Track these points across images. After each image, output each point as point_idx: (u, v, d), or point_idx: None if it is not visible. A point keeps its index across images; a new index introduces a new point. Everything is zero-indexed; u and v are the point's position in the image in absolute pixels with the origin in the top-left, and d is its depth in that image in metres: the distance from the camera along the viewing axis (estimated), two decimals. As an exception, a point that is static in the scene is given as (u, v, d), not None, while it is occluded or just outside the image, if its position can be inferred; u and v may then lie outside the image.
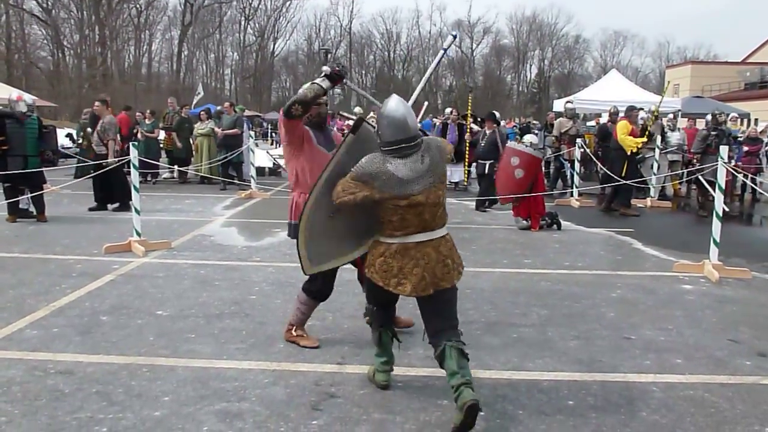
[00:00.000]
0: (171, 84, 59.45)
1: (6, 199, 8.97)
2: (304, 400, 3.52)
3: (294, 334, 4.40)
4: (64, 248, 7.44)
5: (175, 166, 13.94)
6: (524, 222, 9.13)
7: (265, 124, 43.17)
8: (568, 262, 7.11)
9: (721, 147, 6.88)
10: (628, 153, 10.71)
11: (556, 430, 3.20)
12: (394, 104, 3.32)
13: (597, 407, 3.47)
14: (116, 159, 9.57)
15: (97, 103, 10.54)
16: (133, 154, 7.24)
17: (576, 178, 11.98)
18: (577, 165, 11.93)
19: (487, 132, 11.10)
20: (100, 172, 9.34)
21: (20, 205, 9.29)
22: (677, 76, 50.00)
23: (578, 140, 12.07)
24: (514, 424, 3.25)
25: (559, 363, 4.09)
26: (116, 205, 10.20)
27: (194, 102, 22.39)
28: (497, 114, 12.26)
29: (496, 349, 4.32)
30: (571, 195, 11.89)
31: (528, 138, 9.65)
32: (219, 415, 3.33)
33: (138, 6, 58.68)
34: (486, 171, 10.70)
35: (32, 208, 9.38)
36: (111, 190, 10.13)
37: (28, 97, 10.35)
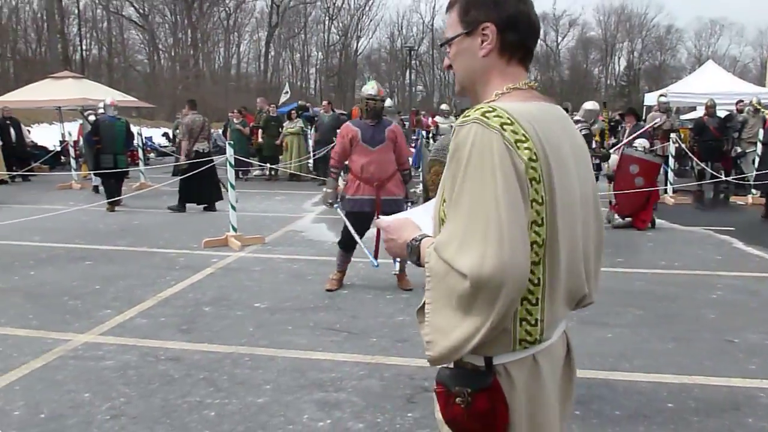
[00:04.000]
0: (259, 84, 61.29)
1: (106, 192, 10.64)
2: (399, 392, 3.60)
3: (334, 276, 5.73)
4: (166, 242, 7.86)
5: (267, 164, 14.33)
6: (620, 220, 8.86)
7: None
8: (664, 262, 6.88)
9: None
10: None
11: (656, 433, 3.15)
12: None
13: (699, 411, 3.37)
14: (190, 160, 9.91)
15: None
16: (229, 153, 7.55)
17: (671, 175, 11.53)
18: (671, 161, 11.48)
19: (628, 128, 10.77)
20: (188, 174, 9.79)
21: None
22: (780, 65, 47.07)
23: (672, 135, 11.61)
24: (612, 425, 3.21)
25: (658, 365, 4.00)
26: (204, 205, 10.43)
27: (281, 101, 23.01)
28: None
29: (591, 349, 4.25)
30: (665, 192, 11.45)
31: (640, 143, 9.27)
32: (318, 404, 3.46)
33: (227, 9, 60.76)
34: None
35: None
36: (198, 191, 10.15)
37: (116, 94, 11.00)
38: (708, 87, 16.15)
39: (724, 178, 11.48)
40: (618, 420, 3.26)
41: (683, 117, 21.79)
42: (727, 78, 18.01)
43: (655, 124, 11.76)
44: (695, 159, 12.56)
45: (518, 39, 1.43)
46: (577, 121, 8.78)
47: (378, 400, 3.50)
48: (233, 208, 7.56)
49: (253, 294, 5.59)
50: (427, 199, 3.46)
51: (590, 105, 9.51)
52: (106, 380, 3.79)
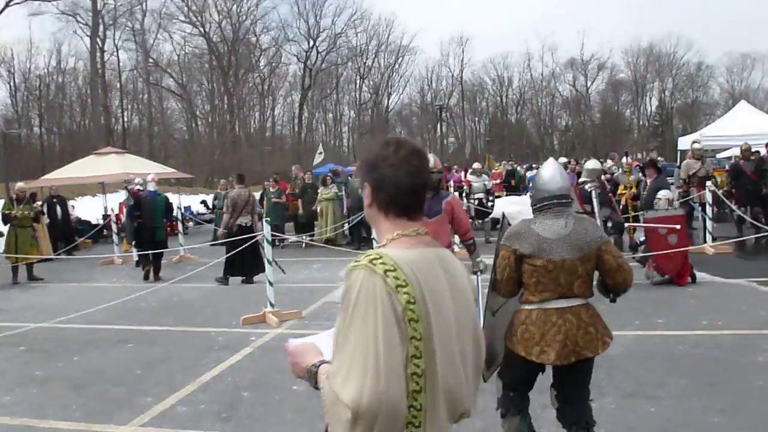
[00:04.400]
0: (293, 145, 62.68)
1: (141, 262, 11.39)
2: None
3: None
4: (206, 320, 7.99)
5: (303, 236, 14.47)
6: (659, 276, 8.71)
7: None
8: (707, 321, 6.72)
9: None
10: None
11: None
12: (552, 167, 3.53)
13: (749, 497, 3.26)
14: (228, 232, 10.24)
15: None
16: (267, 230, 7.72)
17: (709, 223, 11.33)
18: (708, 209, 11.30)
19: (649, 181, 10.60)
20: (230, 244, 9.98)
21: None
22: (818, 97, 46.32)
23: (708, 183, 11.45)
24: None
25: (704, 443, 3.89)
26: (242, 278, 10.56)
27: (315, 161, 23.52)
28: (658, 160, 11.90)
29: (634, 427, 4.16)
30: (705, 242, 11.24)
31: (663, 194, 9.11)
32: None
33: (262, 74, 62.75)
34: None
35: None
36: (241, 265, 10.30)
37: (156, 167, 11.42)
38: (742, 128, 15.95)
39: (764, 226, 11.19)
40: None
41: (719, 156, 21.55)
42: (760, 118, 17.78)
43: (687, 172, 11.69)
44: (733, 205, 12.32)
45: (388, 198, 1.67)
46: (584, 182, 8.63)
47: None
48: (270, 283, 7.68)
49: (291, 376, 5.59)
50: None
51: (591, 164, 9.34)
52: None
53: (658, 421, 4.23)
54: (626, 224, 9.39)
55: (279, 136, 67.50)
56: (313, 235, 14.55)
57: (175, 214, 14.35)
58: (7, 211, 11.87)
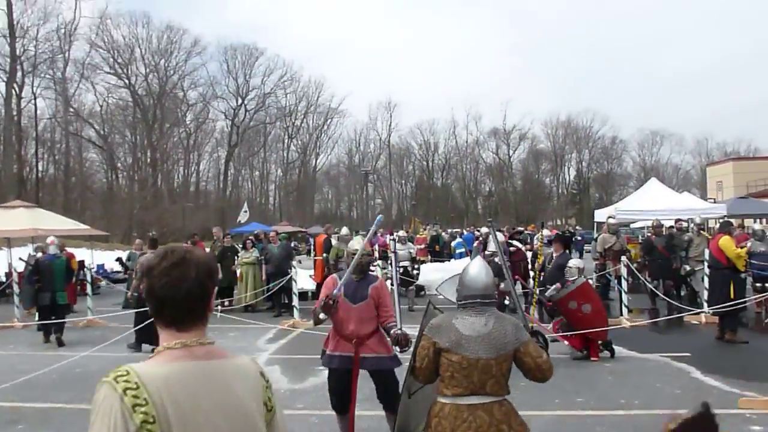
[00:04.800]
0: (217, 201, 61.67)
1: (42, 327, 10.96)
2: None
3: None
4: (109, 394, 7.42)
5: (217, 304, 14.01)
6: (579, 353, 8.77)
7: (310, 239, 43.40)
8: (624, 399, 6.76)
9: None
10: (740, 271, 9.90)
11: None
12: (477, 266, 3.64)
13: None
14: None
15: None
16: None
17: (625, 297, 11.64)
18: (624, 283, 11.64)
19: (555, 255, 10.50)
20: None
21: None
22: (719, 173, 49.66)
23: (623, 258, 11.84)
24: None
25: None
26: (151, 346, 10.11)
27: (240, 219, 23.18)
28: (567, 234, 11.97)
29: None
30: (621, 314, 11.52)
31: (573, 263, 9.27)
32: None
33: (188, 129, 61.98)
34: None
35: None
36: (149, 332, 9.56)
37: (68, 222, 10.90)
38: (653, 204, 16.76)
39: (675, 302, 11.62)
40: None
41: (633, 226, 22.50)
42: (670, 195, 18.76)
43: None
44: (647, 278, 12.75)
45: (153, 309, 1.72)
46: (492, 253, 8.62)
47: None
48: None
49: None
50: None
51: (499, 238, 9.28)
52: None
53: None
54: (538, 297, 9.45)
55: (203, 192, 66.40)
56: (232, 301, 14.07)
57: (84, 273, 13.81)
58: None
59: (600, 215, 18.70)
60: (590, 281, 13.32)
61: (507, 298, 8.47)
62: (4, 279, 16.40)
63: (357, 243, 5.48)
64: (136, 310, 9.59)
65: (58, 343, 10.65)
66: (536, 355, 3.36)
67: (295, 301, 12.09)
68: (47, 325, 10.92)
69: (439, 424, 3.29)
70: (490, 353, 3.27)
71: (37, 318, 11.80)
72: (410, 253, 13.93)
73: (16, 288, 13.47)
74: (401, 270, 13.58)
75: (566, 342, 8.83)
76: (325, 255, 13.67)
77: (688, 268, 12.64)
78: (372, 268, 12.76)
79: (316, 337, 11.13)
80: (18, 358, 9.48)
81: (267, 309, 14.00)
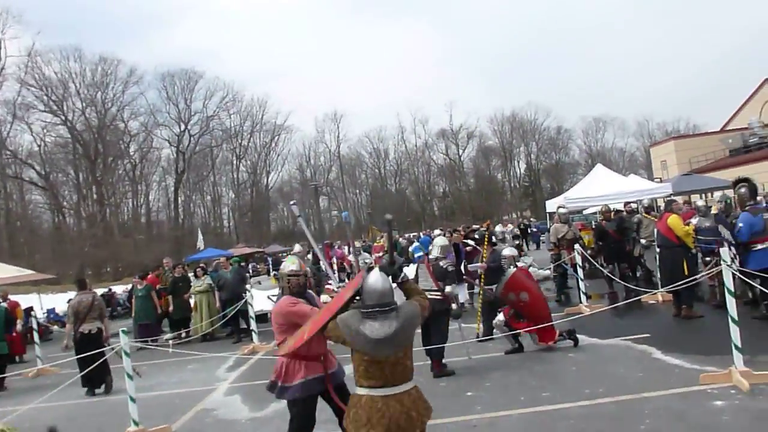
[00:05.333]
0: (171, 231, 60.44)
1: None
2: None
3: None
4: (61, 447, 7.05)
5: (173, 333, 13.65)
6: (539, 345, 8.76)
7: (268, 259, 42.58)
8: (589, 390, 6.71)
9: (722, 249, 6.68)
10: (690, 248, 10.08)
11: None
12: (374, 277, 3.83)
13: None
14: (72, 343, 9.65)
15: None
16: (124, 341, 7.03)
17: (582, 284, 11.70)
18: (579, 270, 11.70)
19: (483, 257, 10.25)
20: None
21: None
22: (662, 152, 50.89)
23: (576, 246, 11.91)
24: None
25: None
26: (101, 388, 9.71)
27: (198, 247, 22.84)
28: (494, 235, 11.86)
29: None
30: (581, 301, 11.57)
31: (506, 253, 9.18)
32: None
33: (132, 161, 60.69)
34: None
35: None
36: (90, 375, 9.34)
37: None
38: (601, 189, 17.01)
39: (642, 289, 11.73)
40: None
41: (586, 212, 22.81)
42: (617, 179, 19.08)
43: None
44: (601, 263, 12.86)
45: None
46: (436, 258, 8.50)
47: None
48: (132, 399, 6.93)
49: None
50: None
51: (440, 241, 8.96)
52: None
53: None
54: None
55: (156, 222, 65.09)
56: (189, 332, 13.67)
57: (30, 321, 13.45)
58: None
59: (551, 205, 18.89)
60: (533, 268, 13.37)
61: (454, 302, 8.37)
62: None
63: (291, 263, 5.15)
64: (78, 357, 9.15)
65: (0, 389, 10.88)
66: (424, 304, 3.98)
67: (253, 325, 11.78)
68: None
69: (357, 413, 3.71)
70: (398, 350, 3.72)
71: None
72: (366, 263, 13.76)
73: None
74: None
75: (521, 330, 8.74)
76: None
77: (639, 249, 12.81)
78: (329, 284, 12.59)
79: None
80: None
81: (226, 336, 13.65)
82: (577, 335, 9.00)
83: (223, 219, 71.22)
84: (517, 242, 16.57)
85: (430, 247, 8.99)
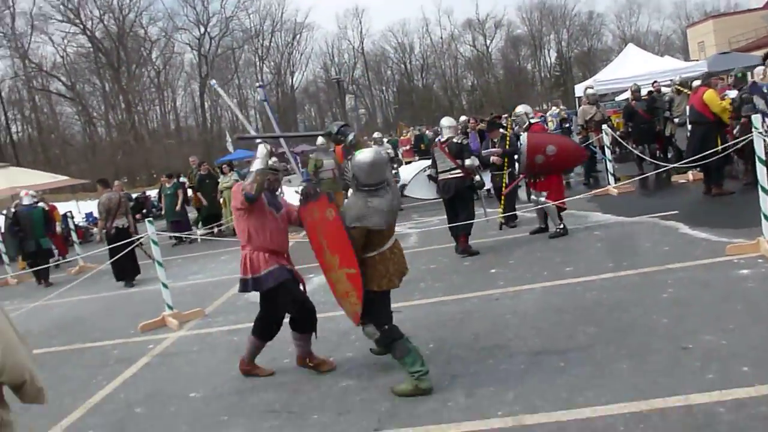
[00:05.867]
0: (200, 135, 60.68)
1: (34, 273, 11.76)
2: (341, 482, 3.28)
3: (247, 367, 5.03)
4: (103, 333, 7.41)
5: (204, 228, 13.95)
6: (542, 198, 8.43)
7: (297, 158, 42.68)
8: (613, 263, 6.71)
9: (753, 116, 6.41)
10: (726, 124, 9.67)
11: (615, 483, 2.88)
12: (371, 154, 4.26)
13: (658, 444, 3.13)
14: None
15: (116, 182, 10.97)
16: (151, 231, 7.19)
17: (610, 165, 11.50)
18: (608, 151, 11.46)
19: (494, 140, 9.85)
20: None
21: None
22: (700, 33, 48.62)
23: (604, 126, 11.60)
24: (568, 482, 2.95)
25: (612, 392, 3.75)
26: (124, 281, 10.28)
27: (231, 148, 23.10)
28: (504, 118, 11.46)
29: (543, 385, 4.01)
30: (609, 183, 11.41)
31: (519, 109, 8.99)
32: None
33: (156, 67, 60.19)
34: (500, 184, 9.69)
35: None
36: (124, 268, 10.03)
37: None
38: (632, 70, 16.39)
39: (667, 165, 11.43)
40: (574, 473, 3.00)
41: (618, 98, 22.13)
42: (649, 58, 18.32)
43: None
44: (631, 145, 12.55)
45: None
46: (448, 138, 8.34)
47: (318, 497, 3.18)
48: (165, 286, 7.18)
49: (189, 381, 5.22)
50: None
51: (447, 122, 8.62)
52: None
53: (566, 377, 4.09)
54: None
55: (185, 128, 65.21)
56: (221, 227, 13.98)
57: (69, 224, 14.00)
58: None
59: (580, 89, 18.31)
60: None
61: (475, 174, 8.34)
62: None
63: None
64: (109, 248, 9.64)
65: (46, 285, 11.58)
66: None
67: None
68: (38, 270, 11.64)
69: (376, 270, 4.23)
70: (399, 212, 4.47)
71: (27, 267, 12.33)
72: (388, 153, 13.70)
73: (2, 247, 13.44)
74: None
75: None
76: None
77: (671, 128, 12.44)
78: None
79: (306, 245, 11.07)
80: (13, 313, 9.43)
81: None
82: (603, 215, 8.98)
83: (250, 121, 71.05)
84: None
85: (439, 131, 8.81)
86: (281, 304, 4.85)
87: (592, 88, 13.60)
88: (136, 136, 53.98)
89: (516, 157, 8.92)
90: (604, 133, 11.42)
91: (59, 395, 5.40)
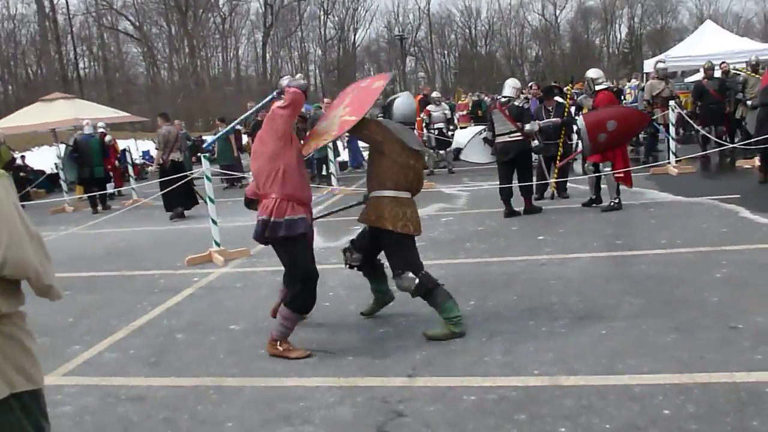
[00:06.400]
0: (259, 85, 61.06)
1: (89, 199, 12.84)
2: (370, 420, 3.31)
3: (280, 348, 4.23)
4: (152, 263, 7.63)
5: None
6: (608, 168, 8.15)
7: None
8: (666, 240, 6.50)
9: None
10: None
11: (649, 448, 2.82)
12: (404, 98, 4.65)
13: (698, 417, 3.04)
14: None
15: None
16: (206, 166, 7.30)
17: (672, 144, 11.08)
18: (672, 129, 11.03)
19: (548, 108, 9.53)
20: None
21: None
22: (785, 17, 45.99)
23: (671, 103, 11.14)
24: (600, 443, 2.90)
25: (655, 363, 3.66)
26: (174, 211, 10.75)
27: None
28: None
29: (584, 350, 3.93)
30: (669, 162, 11.02)
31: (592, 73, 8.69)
32: (282, 442, 3.18)
33: (222, 14, 60.55)
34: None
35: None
36: (176, 199, 10.41)
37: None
38: (708, 48, 15.61)
39: (729, 145, 10.98)
40: (607, 435, 2.95)
41: (688, 80, 21.28)
42: (727, 37, 17.44)
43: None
44: (697, 125, 12.05)
45: None
46: (508, 99, 8.24)
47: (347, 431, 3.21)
48: (214, 222, 7.30)
49: (231, 315, 5.32)
50: None
51: (512, 82, 8.62)
52: (60, 431, 3.53)
53: (608, 344, 4.00)
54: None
55: (245, 77, 65.70)
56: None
57: (127, 159, 14.47)
58: None
59: (649, 65, 17.61)
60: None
61: (534, 138, 8.19)
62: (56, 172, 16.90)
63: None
64: (160, 180, 10.11)
65: (104, 207, 12.74)
66: None
67: (333, 169, 12.05)
68: (93, 196, 12.66)
69: (393, 209, 4.30)
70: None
71: (83, 192, 13.56)
72: (445, 114, 13.50)
73: (62, 175, 13.93)
74: (436, 132, 13.27)
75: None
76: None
77: (742, 111, 11.88)
78: None
79: (353, 199, 11.12)
80: (69, 238, 9.79)
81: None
82: (660, 192, 8.71)
83: (309, 76, 71.06)
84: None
85: (502, 90, 8.64)
86: (306, 250, 4.36)
87: (663, 62, 13.03)
88: (197, 81, 54.67)
89: (575, 129, 8.68)
90: (670, 109, 10.97)
91: (106, 316, 5.62)
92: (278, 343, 4.24)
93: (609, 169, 8.13)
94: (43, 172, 17.63)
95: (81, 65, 55.28)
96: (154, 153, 21.96)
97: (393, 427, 3.20)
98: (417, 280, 4.26)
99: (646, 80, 17.22)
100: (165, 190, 9.43)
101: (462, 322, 4.29)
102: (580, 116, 8.33)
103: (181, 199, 10.38)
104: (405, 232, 4.28)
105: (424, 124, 13.24)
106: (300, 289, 4.23)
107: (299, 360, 4.18)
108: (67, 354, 4.74)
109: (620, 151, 8.22)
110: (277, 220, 4.18)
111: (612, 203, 8.18)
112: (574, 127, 8.70)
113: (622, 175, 8.18)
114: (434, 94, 14.52)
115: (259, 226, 4.33)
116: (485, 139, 8.82)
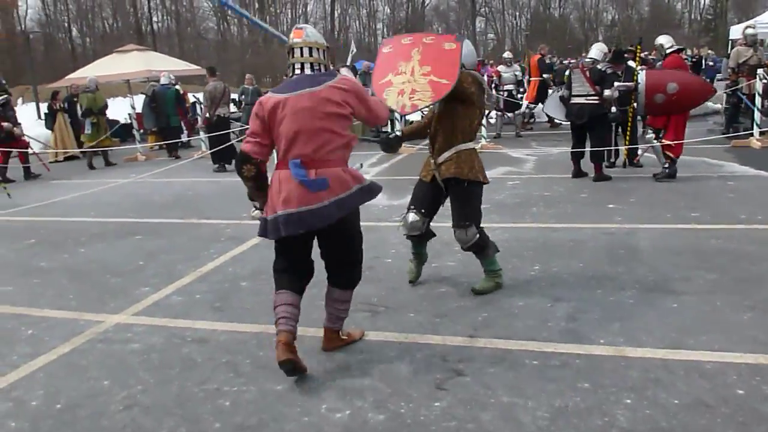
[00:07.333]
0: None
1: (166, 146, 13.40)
2: (429, 377, 3.29)
3: (345, 338, 3.78)
4: (218, 212, 7.78)
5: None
6: (653, 136, 7.99)
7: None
8: (745, 215, 6.19)
9: None
10: None
11: (719, 428, 2.70)
12: (469, 46, 4.41)
13: (774, 398, 2.89)
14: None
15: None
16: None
17: (757, 115, 10.48)
18: (758, 100, 10.42)
19: (618, 73, 8.78)
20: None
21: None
22: None
23: (759, 71, 10.49)
24: (667, 417, 2.79)
25: (728, 341, 3.49)
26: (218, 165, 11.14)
27: (349, 59, 22.88)
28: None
29: (652, 323, 3.79)
30: (752, 135, 10.44)
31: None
32: (339, 392, 3.21)
33: (292, -31, 60.41)
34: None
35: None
36: (222, 152, 10.85)
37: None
38: (803, 15, 14.63)
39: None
40: (675, 411, 2.83)
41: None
42: (825, 3, 16.25)
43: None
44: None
45: None
46: (594, 61, 8.00)
47: (404, 387, 3.20)
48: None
49: (293, 266, 5.37)
50: None
51: (600, 46, 8.51)
52: (128, 366, 3.66)
53: (678, 318, 3.85)
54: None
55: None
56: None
57: (195, 110, 15.05)
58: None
59: (735, 32, 16.65)
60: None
61: (613, 104, 7.91)
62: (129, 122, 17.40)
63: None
64: (208, 136, 10.78)
65: (174, 157, 13.12)
66: None
67: (398, 126, 11.90)
68: (168, 144, 13.25)
69: (477, 158, 4.36)
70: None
71: (155, 141, 14.32)
72: (515, 75, 13.13)
73: (135, 124, 14.38)
74: (505, 94, 12.94)
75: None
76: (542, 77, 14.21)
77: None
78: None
79: (418, 157, 11.05)
80: (139, 185, 10.11)
81: (373, 136, 13.96)
82: (741, 166, 8.28)
83: (377, 35, 70.38)
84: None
85: (590, 51, 8.38)
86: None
87: (753, 27, 12.23)
88: (266, 37, 54.98)
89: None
90: (758, 78, 10.35)
91: (174, 261, 5.77)
92: (340, 333, 3.77)
93: (651, 135, 7.98)
94: (117, 122, 18.16)
95: (154, 18, 56.38)
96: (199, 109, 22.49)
97: (452, 386, 3.17)
98: (478, 234, 4.30)
99: (732, 48, 16.29)
100: (214, 150, 10.39)
101: (502, 273, 4.48)
102: (642, 71, 7.98)
103: (223, 153, 10.80)
104: (486, 181, 4.37)
105: (493, 85, 12.89)
106: (360, 266, 3.75)
107: (360, 313, 4.19)
108: (136, 295, 4.90)
109: (675, 120, 7.85)
110: (363, 185, 3.63)
111: (664, 169, 7.91)
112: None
113: (672, 145, 7.85)
114: (505, 54, 14.12)
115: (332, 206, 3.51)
116: (561, 98, 8.63)
